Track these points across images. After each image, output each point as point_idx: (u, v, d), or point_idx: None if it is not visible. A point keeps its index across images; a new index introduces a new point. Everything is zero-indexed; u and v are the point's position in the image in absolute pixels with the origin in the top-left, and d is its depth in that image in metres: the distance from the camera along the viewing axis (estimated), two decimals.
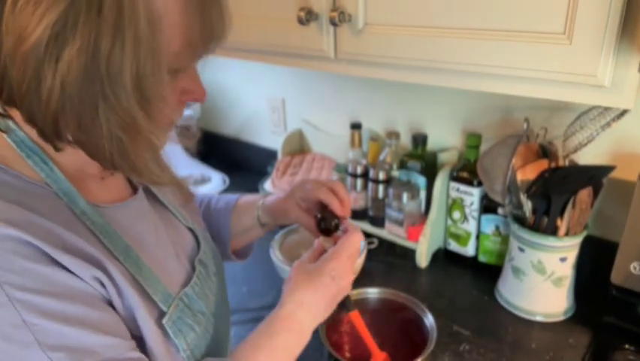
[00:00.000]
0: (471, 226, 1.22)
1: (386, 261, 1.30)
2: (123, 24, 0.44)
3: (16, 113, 0.52)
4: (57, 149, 0.52)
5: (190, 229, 0.76)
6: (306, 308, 0.70)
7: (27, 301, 0.46)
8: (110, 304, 0.55)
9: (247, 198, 0.95)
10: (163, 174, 0.56)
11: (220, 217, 0.93)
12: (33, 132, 0.52)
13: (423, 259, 1.26)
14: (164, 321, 0.60)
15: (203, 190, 1.71)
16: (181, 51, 0.51)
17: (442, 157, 1.30)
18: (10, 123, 0.53)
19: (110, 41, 0.44)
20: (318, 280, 0.71)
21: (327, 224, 0.81)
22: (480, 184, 1.16)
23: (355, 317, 0.88)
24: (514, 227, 1.05)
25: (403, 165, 1.31)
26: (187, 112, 1.67)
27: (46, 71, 0.44)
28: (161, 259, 0.65)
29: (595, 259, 1.06)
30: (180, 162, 1.82)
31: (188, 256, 0.72)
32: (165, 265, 0.65)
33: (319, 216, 0.83)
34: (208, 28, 0.53)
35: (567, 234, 1.00)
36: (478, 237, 1.23)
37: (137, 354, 0.55)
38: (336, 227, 0.82)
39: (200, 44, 0.53)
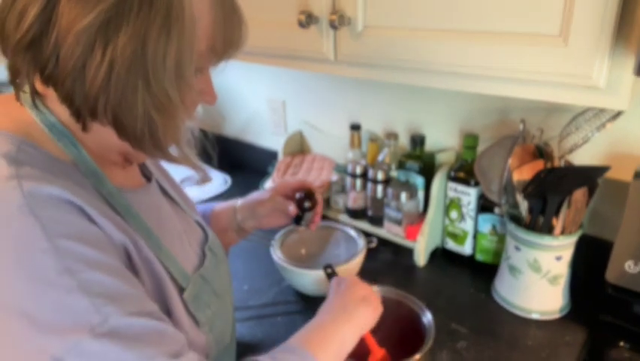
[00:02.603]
0: (468, 226, 1.23)
1: (385, 260, 1.31)
2: (171, 19, 0.50)
3: (49, 94, 0.55)
4: (86, 129, 0.56)
5: (197, 222, 0.80)
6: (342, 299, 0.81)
7: (69, 249, 0.48)
8: (136, 274, 0.57)
9: (222, 204, 1.00)
10: (181, 154, 0.60)
11: None
12: (62, 115, 0.56)
13: (421, 258, 1.27)
14: (184, 296, 0.63)
15: (205, 190, 1.72)
16: (205, 53, 0.57)
17: (440, 158, 1.31)
18: (41, 106, 0.56)
19: (159, 32, 0.50)
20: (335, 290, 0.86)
21: (310, 199, 0.98)
22: (477, 184, 1.18)
23: None
24: (511, 226, 1.06)
25: (401, 166, 1.32)
26: None
27: (96, 51, 0.49)
28: (177, 244, 0.68)
29: (590, 258, 1.07)
30: None
31: (198, 244, 0.75)
32: (180, 249, 0.68)
33: (301, 195, 0.97)
34: (229, 36, 0.58)
35: (562, 233, 1.01)
36: (475, 236, 1.24)
37: (168, 319, 0.57)
38: (314, 205, 0.98)
39: (220, 49, 0.58)
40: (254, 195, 0.99)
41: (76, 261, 0.48)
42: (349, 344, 0.76)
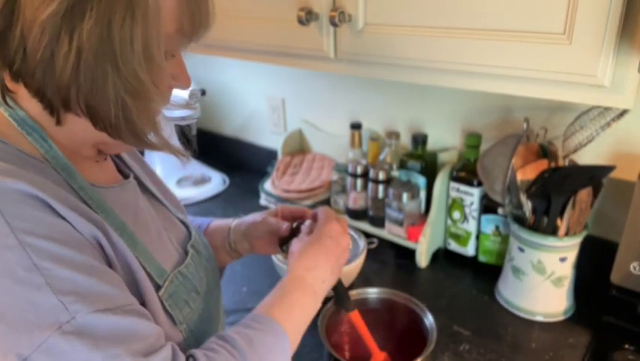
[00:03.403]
0: (471, 226, 1.22)
1: (386, 261, 1.30)
2: (134, 1, 0.50)
3: (19, 89, 0.55)
4: (60, 122, 0.56)
5: (181, 221, 0.79)
6: (314, 272, 0.72)
7: (37, 246, 0.48)
8: (110, 267, 0.57)
9: (219, 220, 0.96)
10: (160, 140, 0.60)
11: None
12: (32, 110, 0.56)
13: (423, 259, 1.26)
14: (160, 293, 0.62)
15: (204, 190, 1.71)
16: (173, 35, 0.57)
17: (442, 157, 1.31)
18: (10, 102, 0.56)
19: (123, 15, 0.49)
20: (320, 243, 0.75)
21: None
22: (480, 184, 1.16)
23: (355, 316, 0.88)
24: (514, 227, 1.05)
25: (402, 165, 1.31)
26: (187, 112, 1.67)
27: (62, 39, 0.48)
28: (155, 241, 0.67)
29: (595, 259, 1.07)
30: (180, 161, 1.81)
31: (180, 242, 0.74)
32: (159, 246, 0.67)
33: (301, 222, 0.84)
34: (197, 17, 0.58)
35: (567, 234, 1.00)
36: (478, 237, 1.23)
37: (145, 310, 0.57)
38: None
39: (189, 30, 0.58)
40: (249, 217, 0.93)
41: (44, 258, 0.48)
42: (316, 305, 0.72)
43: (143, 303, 0.60)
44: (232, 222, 0.93)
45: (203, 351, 0.58)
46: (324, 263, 0.74)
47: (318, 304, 0.72)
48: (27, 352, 0.46)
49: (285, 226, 0.87)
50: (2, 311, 0.46)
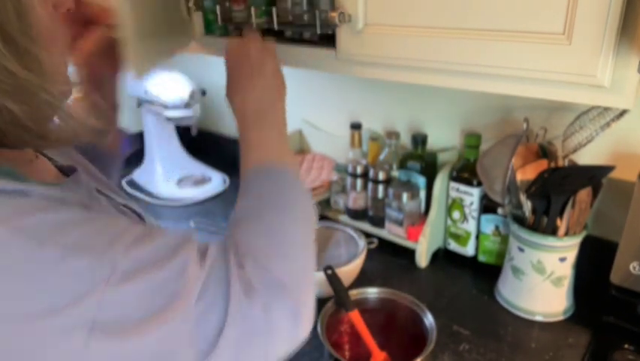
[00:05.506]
0: (471, 226, 1.22)
1: (386, 261, 1.30)
2: None
3: None
4: None
5: (127, 207, 0.73)
6: (243, 96, 0.69)
7: (29, 224, 0.42)
8: None
9: None
10: (72, 124, 0.53)
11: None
12: None
13: (423, 259, 1.26)
14: None
15: (204, 190, 1.71)
16: None
17: (442, 157, 1.31)
18: None
19: None
20: (230, 70, 0.71)
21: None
22: (480, 184, 1.16)
23: (355, 316, 0.89)
24: (514, 227, 1.05)
25: (402, 165, 1.31)
26: (187, 112, 1.67)
27: None
28: None
29: (594, 259, 1.06)
30: (181, 161, 1.82)
31: None
32: None
33: None
34: None
35: (567, 234, 1.00)
36: (477, 237, 1.23)
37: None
38: None
39: None
40: None
41: (43, 230, 0.42)
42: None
43: None
44: None
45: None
46: (246, 82, 0.69)
47: (278, 106, 0.70)
48: (87, 320, 0.41)
49: None
50: (40, 306, 0.40)
